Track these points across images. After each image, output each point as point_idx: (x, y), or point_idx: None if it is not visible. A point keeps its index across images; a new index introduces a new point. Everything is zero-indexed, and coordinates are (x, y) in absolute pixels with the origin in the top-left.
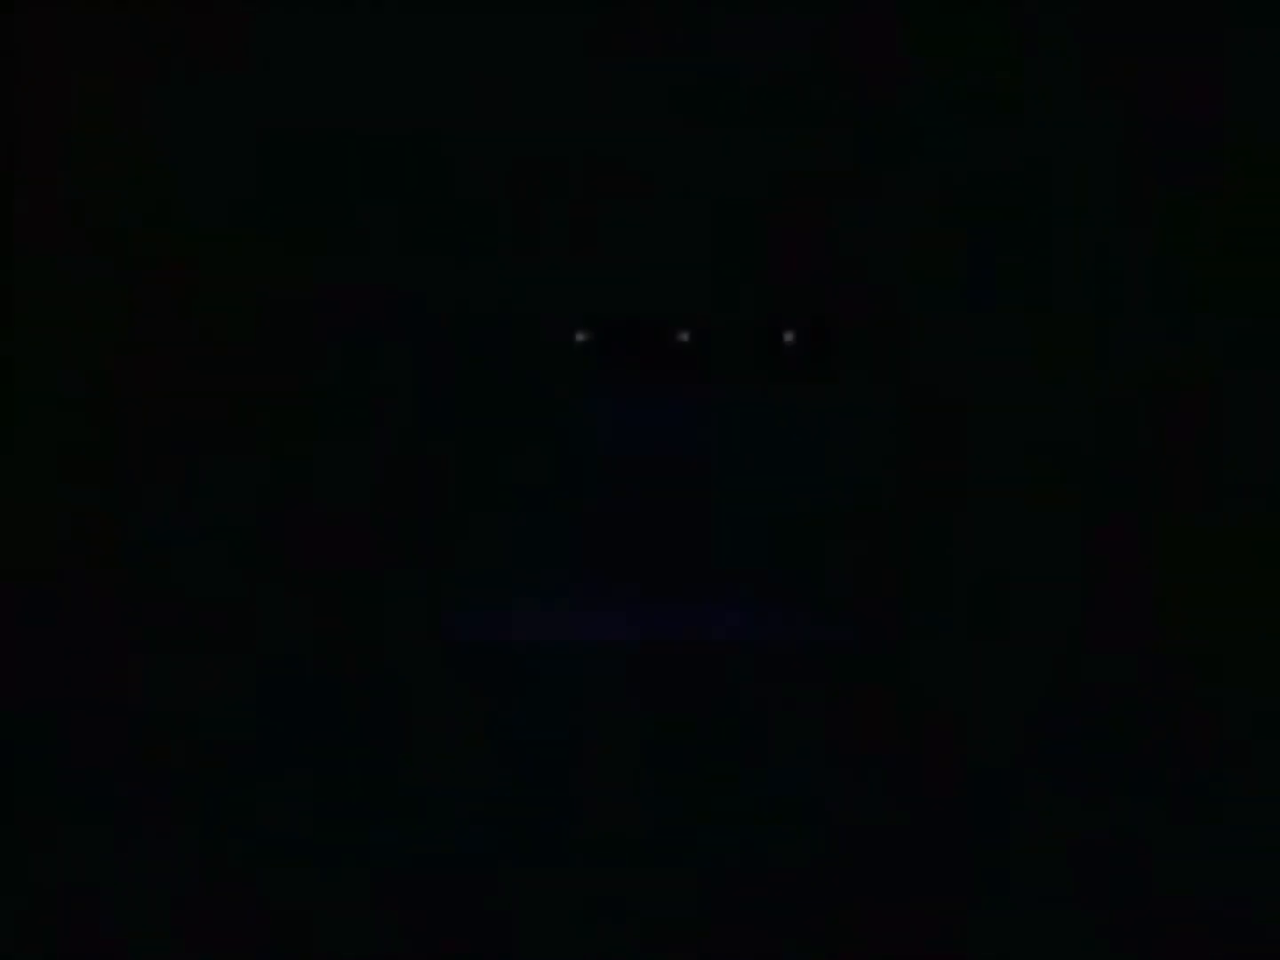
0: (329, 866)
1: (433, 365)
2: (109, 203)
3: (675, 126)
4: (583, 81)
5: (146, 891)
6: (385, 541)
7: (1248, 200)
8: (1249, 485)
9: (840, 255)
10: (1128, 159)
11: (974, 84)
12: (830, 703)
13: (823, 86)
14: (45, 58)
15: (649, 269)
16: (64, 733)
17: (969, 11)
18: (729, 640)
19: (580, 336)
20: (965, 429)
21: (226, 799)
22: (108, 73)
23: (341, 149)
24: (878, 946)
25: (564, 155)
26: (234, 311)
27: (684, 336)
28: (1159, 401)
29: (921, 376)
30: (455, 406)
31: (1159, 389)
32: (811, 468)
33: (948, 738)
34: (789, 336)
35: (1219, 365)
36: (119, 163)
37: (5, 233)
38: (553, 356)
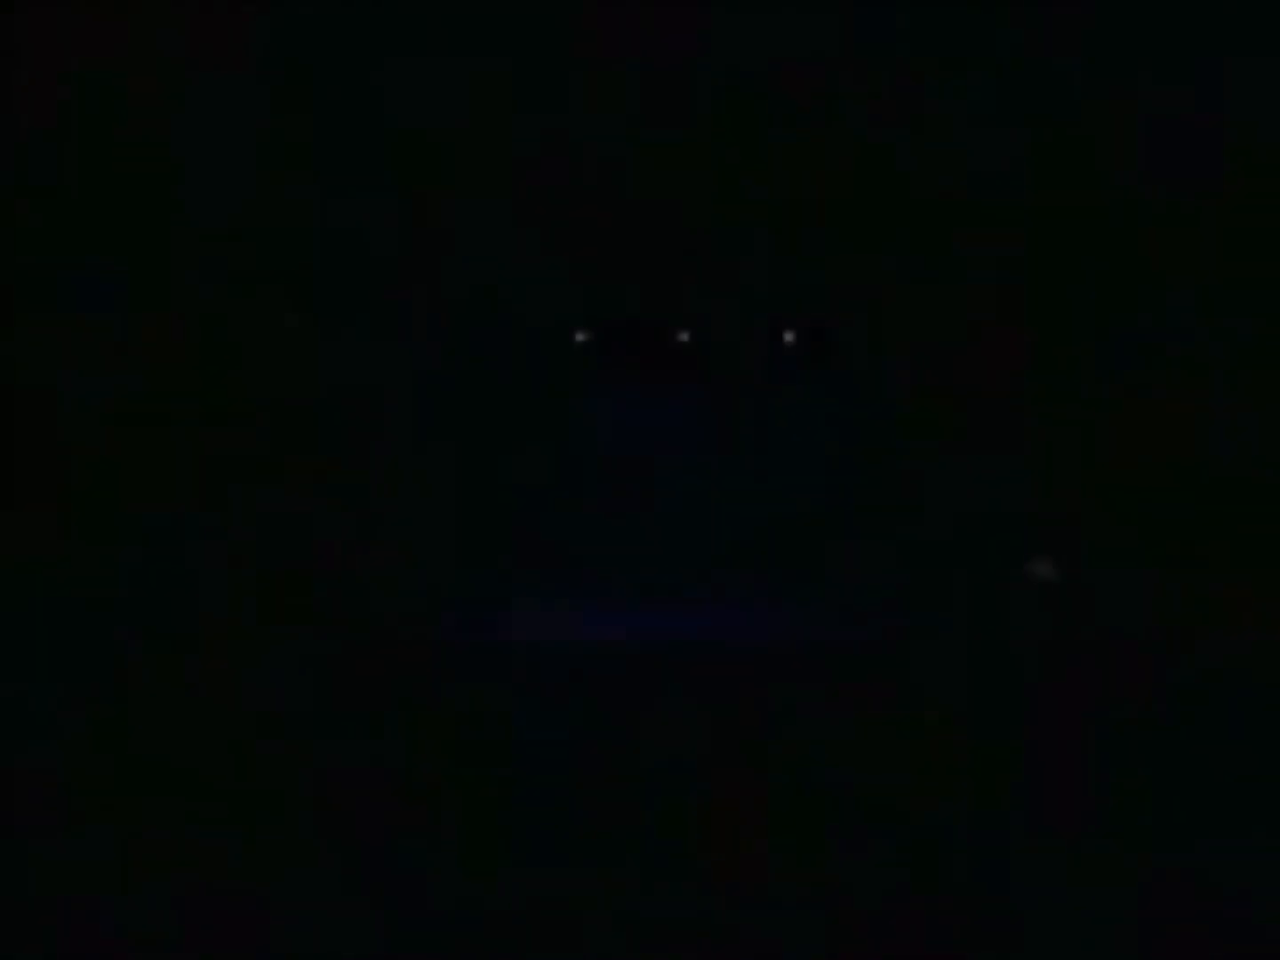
0: (327, 866)
1: (433, 365)
2: (109, 202)
3: (675, 126)
4: (583, 81)
5: (150, 892)
6: (384, 541)
7: (1249, 201)
8: (1249, 485)
9: (841, 255)
10: (1127, 159)
11: (974, 85)
12: (831, 703)
13: (824, 86)
14: (45, 57)
15: (649, 269)
16: (68, 737)
17: (966, 13)
18: (729, 640)
19: (580, 336)
20: (966, 429)
21: (225, 798)
22: (108, 71)
23: (342, 148)
24: (879, 947)
25: (564, 155)
26: (233, 310)
27: (684, 336)
28: (1161, 401)
29: (921, 377)
30: (455, 406)
31: (1160, 389)
32: (811, 468)
33: (949, 738)
34: (789, 336)
35: (1219, 366)
36: (119, 161)
37: (6, 231)
38: (553, 356)
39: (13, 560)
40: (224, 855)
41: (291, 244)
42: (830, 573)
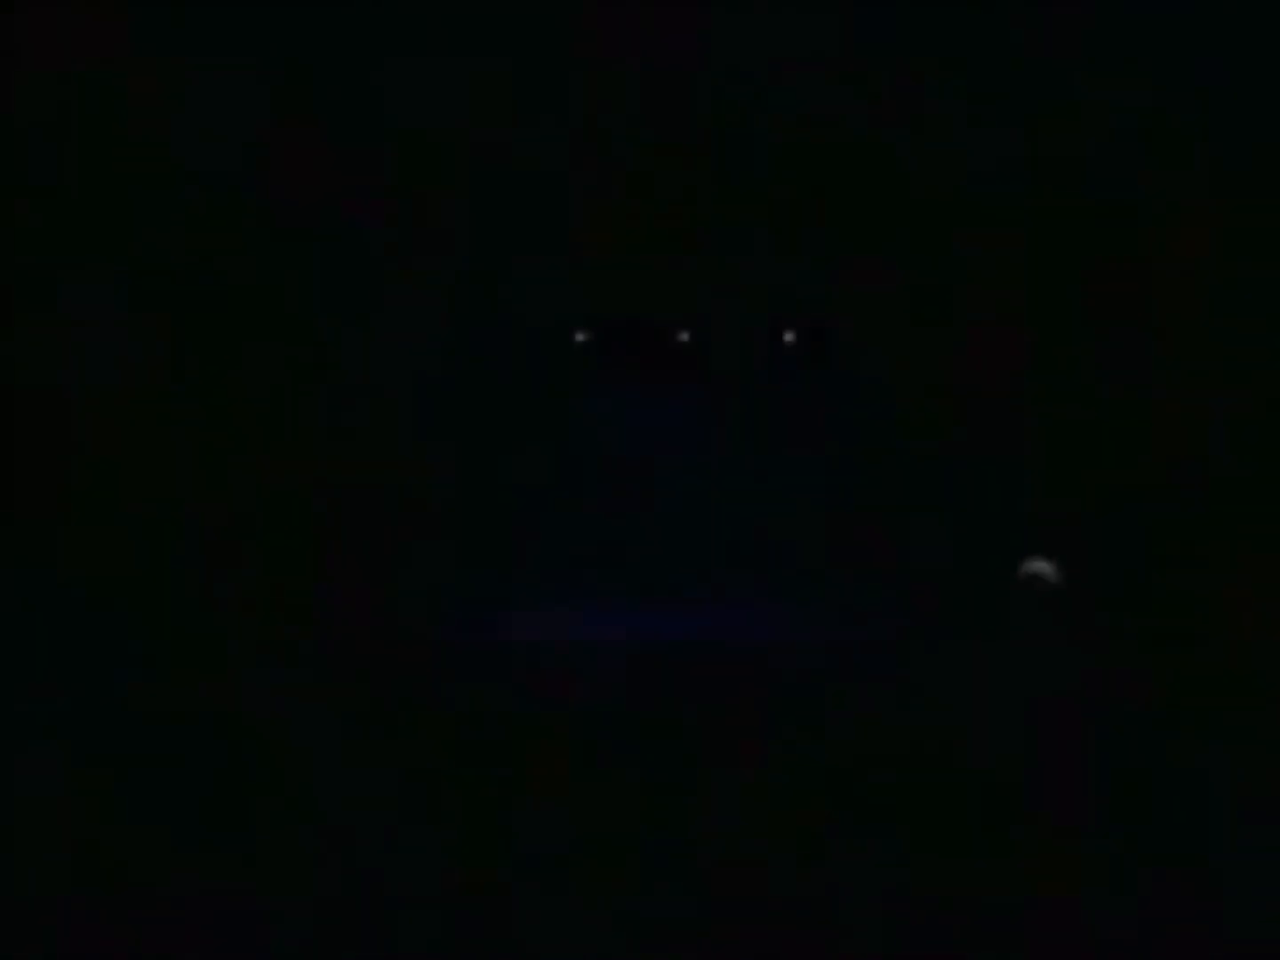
0: (328, 865)
1: (433, 365)
2: (109, 202)
3: (675, 126)
4: (583, 81)
5: (150, 892)
6: (385, 542)
7: (1248, 201)
8: (1249, 485)
9: (841, 255)
10: (1127, 159)
11: (974, 86)
12: (831, 703)
13: (824, 86)
14: (45, 57)
15: (649, 269)
16: (68, 737)
17: (966, 13)
18: (729, 640)
19: (580, 336)
20: (966, 429)
21: (225, 798)
22: (108, 71)
23: (342, 148)
24: (879, 947)
25: (564, 155)
26: (234, 310)
27: (684, 336)
28: (1161, 401)
29: (921, 377)
30: (455, 406)
31: (1160, 389)
32: (811, 468)
33: (948, 738)
34: (789, 336)
35: (1219, 366)
36: (119, 161)
37: (5, 231)
38: (553, 356)
39: (12, 559)
40: (224, 855)
41: (292, 244)
42: (830, 573)
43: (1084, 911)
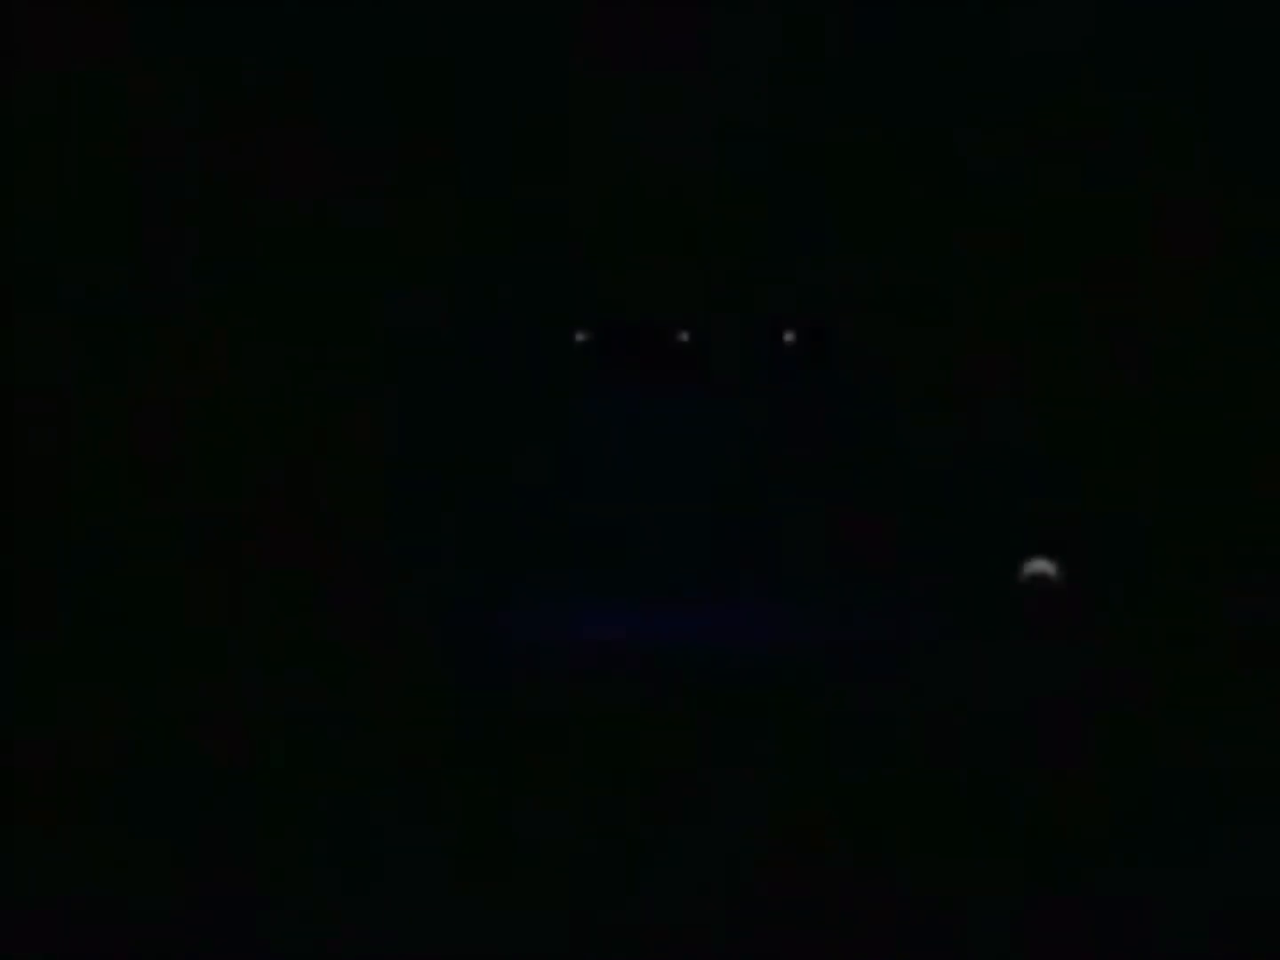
0: (328, 864)
1: (433, 365)
2: (109, 200)
3: (675, 127)
4: (585, 81)
5: (150, 892)
6: (385, 541)
7: (1250, 200)
8: (1248, 485)
9: (841, 255)
10: (1129, 159)
11: (974, 85)
12: (831, 703)
13: (824, 86)
14: (45, 57)
15: (649, 269)
16: (69, 736)
17: (966, 13)
18: (729, 640)
19: (580, 336)
20: (966, 429)
21: (226, 797)
22: (108, 71)
23: (342, 147)
24: (877, 945)
25: (565, 155)
26: (233, 311)
27: (684, 336)
28: (1161, 401)
29: (921, 377)
30: (456, 406)
31: (1160, 389)
32: (810, 468)
33: (947, 738)
34: (789, 336)
35: (1219, 366)
36: (118, 162)
37: (6, 231)
38: (553, 356)
39: (12, 559)
40: (224, 854)
41: (291, 244)
42: (830, 573)
43: (1083, 911)
